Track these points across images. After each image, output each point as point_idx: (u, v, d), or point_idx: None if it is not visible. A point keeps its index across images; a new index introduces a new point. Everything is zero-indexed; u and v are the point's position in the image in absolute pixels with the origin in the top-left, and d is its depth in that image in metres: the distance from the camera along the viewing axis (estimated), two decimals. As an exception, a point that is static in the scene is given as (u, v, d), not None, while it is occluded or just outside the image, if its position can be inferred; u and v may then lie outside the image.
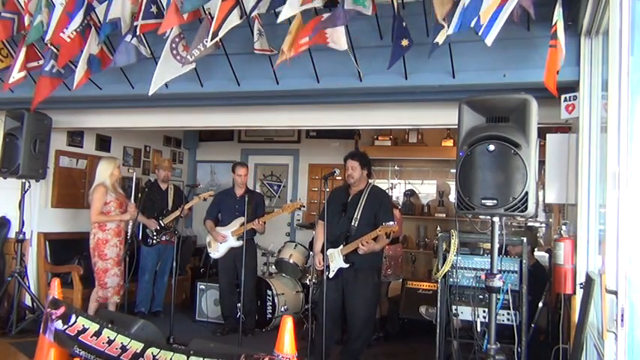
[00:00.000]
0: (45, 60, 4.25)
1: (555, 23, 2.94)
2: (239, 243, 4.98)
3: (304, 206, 5.57)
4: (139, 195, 5.15)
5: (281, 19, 3.34)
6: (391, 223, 3.96)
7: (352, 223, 4.14)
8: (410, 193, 7.15)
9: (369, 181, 4.37)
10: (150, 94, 3.82)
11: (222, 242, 5.28)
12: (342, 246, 4.11)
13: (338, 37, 3.30)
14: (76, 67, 4.21)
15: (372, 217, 4.13)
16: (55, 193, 5.77)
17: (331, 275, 4.11)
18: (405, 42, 3.31)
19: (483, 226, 4.22)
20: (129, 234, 5.05)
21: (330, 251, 4.13)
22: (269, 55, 3.85)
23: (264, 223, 5.23)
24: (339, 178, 4.37)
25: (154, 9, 3.81)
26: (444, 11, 3.08)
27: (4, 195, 5.40)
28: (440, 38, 3.15)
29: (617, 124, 2.06)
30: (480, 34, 2.87)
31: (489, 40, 2.86)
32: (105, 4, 3.98)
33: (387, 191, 6.46)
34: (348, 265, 4.07)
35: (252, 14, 3.56)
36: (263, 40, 3.79)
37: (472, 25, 2.88)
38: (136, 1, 3.89)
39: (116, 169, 5.13)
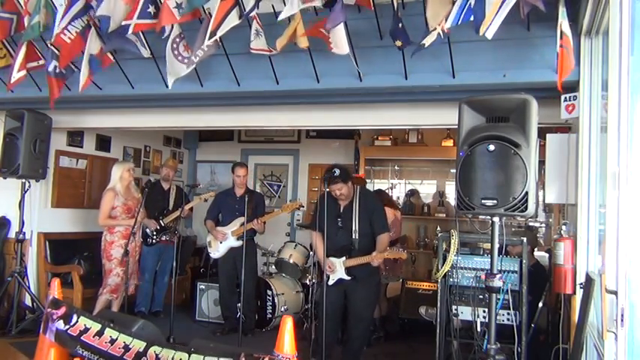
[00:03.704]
0: (47, 61, 4.25)
1: (561, 23, 2.94)
2: (239, 243, 4.99)
3: (303, 206, 5.57)
4: (139, 195, 5.16)
5: (281, 17, 3.34)
6: (400, 249, 4.09)
7: (353, 237, 4.07)
8: (410, 194, 7.15)
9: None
10: (169, 86, 3.90)
11: (222, 241, 5.29)
12: (344, 258, 4.05)
13: (340, 41, 3.32)
14: (76, 67, 4.22)
15: (368, 225, 4.11)
16: (55, 193, 5.77)
17: (330, 283, 4.08)
18: (398, 43, 3.32)
19: (483, 226, 4.22)
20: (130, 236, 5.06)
21: (331, 260, 4.07)
22: (269, 55, 3.85)
23: (264, 223, 5.24)
24: (358, 189, 4.31)
25: (151, 9, 3.80)
26: (442, 15, 3.08)
27: (4, 195, 5.39)
28: (427, 40, 3.15)
29: (617, 124, 2.06)
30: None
31: (490, 34, 2.85)
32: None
33: (386, 191, 6.51)
34: (349, 278, 4.04)
35: (251, 14, 3.57)
36: (260, 39, 3.78)
37: (471, 19, 2.87)
38: (131, 1, 3.88)
39: (125, 172, 5.23)
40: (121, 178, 5.18)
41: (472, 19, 2.89)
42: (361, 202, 4.14)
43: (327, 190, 4.01)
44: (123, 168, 5.25)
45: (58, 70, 4.22)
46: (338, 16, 3.24)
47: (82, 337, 2.98)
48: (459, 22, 2.95)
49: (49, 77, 4.22)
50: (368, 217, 4.10)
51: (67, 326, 3.05)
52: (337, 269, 4.04)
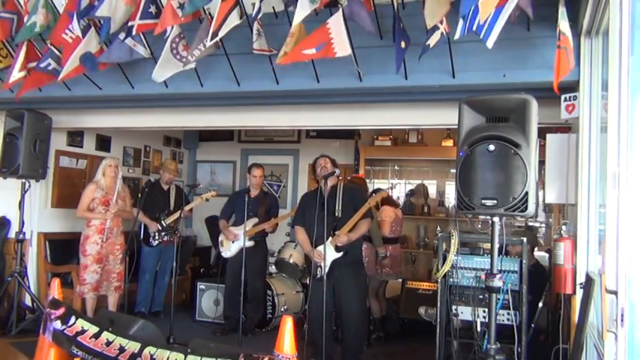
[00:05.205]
0: (43, 58, 4.25)
1: (560, 23, 2.94)
2: (250, 243, 5.08)
3: None
4: (139, 195, 5.16)
5: (296, 22, 3.33)
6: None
7: (337, 215, 4.16)
8: (410, 194, 7.14)
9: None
10: (152, 77, 3.90)
11: (234, 241, 5.32)
12: (330, 238, 4.08)
13: (343, 43, 3.32)
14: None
15: (352, 210, 4.18)
16: (55, 193, 5.77)
17: (326, 271, 4.06)
18: (403, 44, 3.33)
19: (483, 226, 4.22)
20: (105, 230, 5.06)
21: (320, 248, 4.06)
22: (269, 55, 3.85)
23: (277, 224, 5.38)
24: (341, 178, 4.37)
25: (152, 9, 3.81)
26: (440, 14, 3.08)
27: (4, 195, 5.39)
28: (432, 40, 3.15)
29: (617, 124, 2.06)
30: (481, 36, 2.87)
31: (490, 42, 2.86)
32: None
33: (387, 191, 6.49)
34: (341, 255, 4.07)
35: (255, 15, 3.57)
36: (262, 40, 3.80)
37: (474, 28, 2.88)
38: (132, 2, 3.88)
39: (107, 167, 5.23)
40: (104, 173, 5.20)
41: (475, 28, 2.89)
42: (345, 189, 4.29)
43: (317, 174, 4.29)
44: (105, 163, 5.28)
45: (51, 67, 4.22)
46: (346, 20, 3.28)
47: (78, 338, 2.99)
48: (466, 32, 2.96)
49: (36, 72, 4.23)
50: (352, 203, 4.21)
51: (64, 326, 3.05)
52: (327, 252, 4.04)
